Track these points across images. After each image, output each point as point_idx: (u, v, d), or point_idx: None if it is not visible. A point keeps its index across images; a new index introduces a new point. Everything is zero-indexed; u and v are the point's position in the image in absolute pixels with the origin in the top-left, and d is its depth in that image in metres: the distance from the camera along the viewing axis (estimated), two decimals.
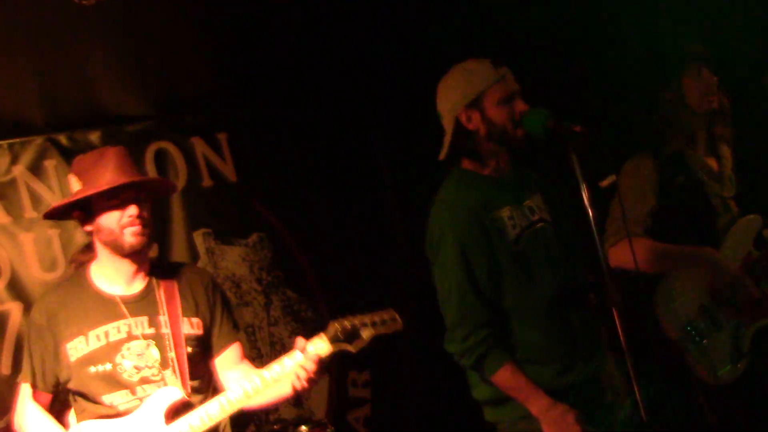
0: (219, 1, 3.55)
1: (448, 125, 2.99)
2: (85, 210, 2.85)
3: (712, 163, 3.63)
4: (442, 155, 3.01)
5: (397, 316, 2.98)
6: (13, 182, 4.14)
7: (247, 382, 2.86)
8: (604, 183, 2.58)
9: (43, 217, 3.10)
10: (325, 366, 2.89)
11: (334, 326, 2.89)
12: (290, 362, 2.85)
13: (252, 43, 4.10)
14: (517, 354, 2.87)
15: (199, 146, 4.57)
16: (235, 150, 4.65)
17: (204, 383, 2.99)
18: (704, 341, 3.42)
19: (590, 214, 2.55)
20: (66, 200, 2.90)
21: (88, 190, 2.80)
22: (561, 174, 2.68)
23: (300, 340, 2.87)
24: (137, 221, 2.83)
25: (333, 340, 2.87)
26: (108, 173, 2.81)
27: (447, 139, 2.99)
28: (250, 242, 4.64)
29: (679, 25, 4.19)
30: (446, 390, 4.71)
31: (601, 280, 2.62)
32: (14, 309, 4.03)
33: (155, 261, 3.22)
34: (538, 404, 2.80)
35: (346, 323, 2.89)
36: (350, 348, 2.89)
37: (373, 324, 2.92)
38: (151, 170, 4.44)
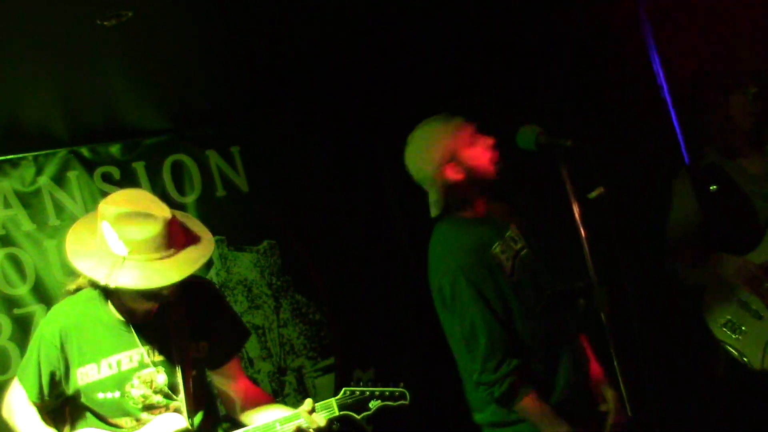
0: (233, 24, 3.65)
1: (431, 187, 3.08)
2: None
3: (755, 166, 3.59)
4: (435, 213, 3.09)
5: (407, 394, 3.01)
6: (38, 192, 4.20)
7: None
8: (592, 195, 2.67)
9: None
10: (330, 427, 2.91)
11: (346, 393, 2.95)
12: (297, 419, 2.88)
13: (264, 64, 4.14)
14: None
15: (214, 159, 4.70)
16: (248, 162, 4.77)
17: (201, 402, 3.01)
18: (742, 334, 3.45)
19: (580, 226, 2.59)
20: (123, 286, 2.67)
21: (136, 280, 2.63)
22: (555, 186, 2.70)
23: (309, 402, 2.90)
24: (164, 295, 2.77)
25: (341, 408, 2.94)
26: (156, 252, 2.66)
27: (437, 198, 3.07)
28: (261, 249, 4.73)
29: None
30: (450, 388, 4.62)
31: (589, 285, 2.63)
32: (38, 311, 4.06)
33: None
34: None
35: (358, 393, 2.95)
36: (356, 416, 2.95)
37: (383, 397, 2.97)
38: (167, 181, 4.53)
